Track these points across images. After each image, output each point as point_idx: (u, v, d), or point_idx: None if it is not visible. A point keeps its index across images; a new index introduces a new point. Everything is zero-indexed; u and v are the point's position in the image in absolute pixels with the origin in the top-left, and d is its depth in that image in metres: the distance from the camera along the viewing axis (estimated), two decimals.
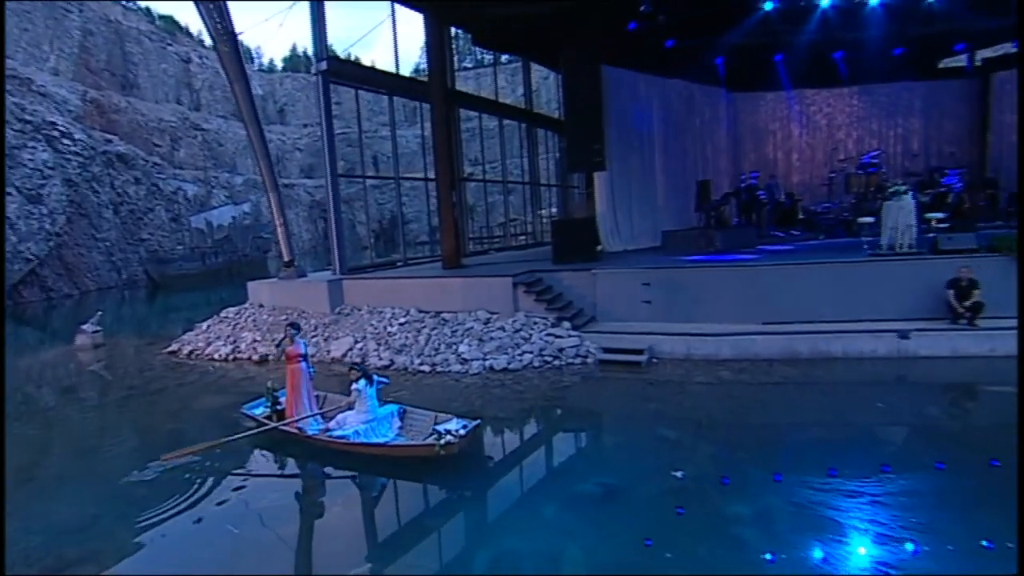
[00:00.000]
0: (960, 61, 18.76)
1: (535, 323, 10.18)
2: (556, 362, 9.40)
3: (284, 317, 12.16)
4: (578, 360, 9.42)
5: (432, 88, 13.62)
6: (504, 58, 25.56)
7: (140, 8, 43.67)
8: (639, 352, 9.23)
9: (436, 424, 6.27)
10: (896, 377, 8.29)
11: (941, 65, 19.27)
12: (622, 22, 13.21)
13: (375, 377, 6.78)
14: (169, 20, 46.51)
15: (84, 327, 14.13)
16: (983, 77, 17.54)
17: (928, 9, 12.90)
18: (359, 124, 15.99)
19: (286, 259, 14.11)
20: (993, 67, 17.58)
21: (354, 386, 6.54)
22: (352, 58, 35.28)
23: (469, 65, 46.51)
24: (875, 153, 16.47)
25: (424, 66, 20.37)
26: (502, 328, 10.12)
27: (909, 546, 4.22)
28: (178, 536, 5.04)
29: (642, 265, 10.97)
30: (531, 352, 9.54)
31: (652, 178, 15.88)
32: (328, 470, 6.44)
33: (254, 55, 63.41)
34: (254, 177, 38.47)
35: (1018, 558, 3.24)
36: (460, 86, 18.72)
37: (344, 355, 10.57)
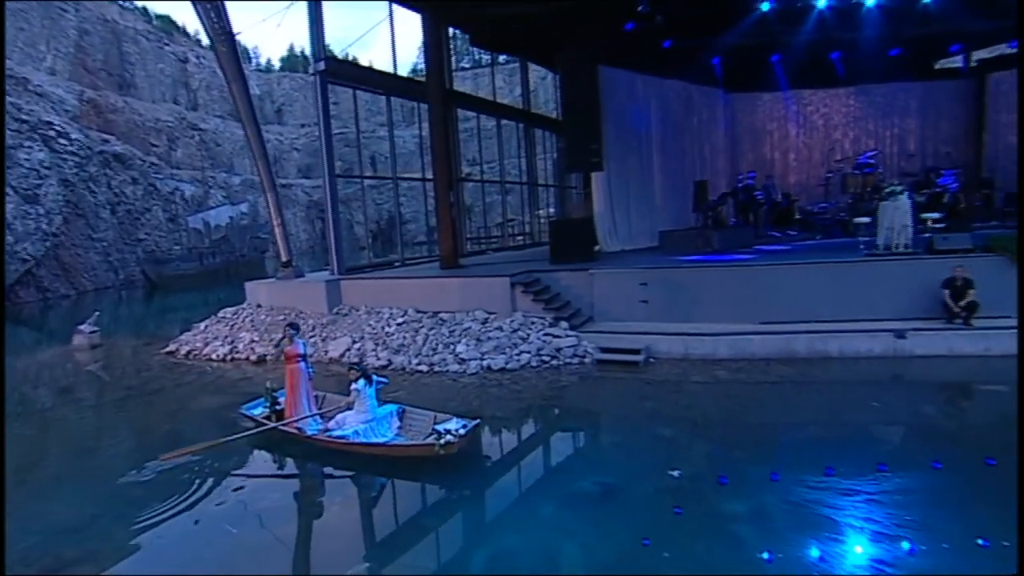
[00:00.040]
0: (956, 62, 18.84)
1: (533, 323, 10.20)
2: (554, 362, 9.42)
3: (282, 317, 12.15)
4: (576, 360, 9.44)
5: (430, 88, 13.64)
6: (502, 58, 25.55)
7: (137, 8, 43.65)
8: (636, 352, 9.26)
9: (435, 424, 6.28)
10: (892, 376, 8.33)
11: (937, 66, 19.34)
12: (620, 22, 13.23)
13: (374, 377, 6.79)
14: (166, 20, 46.52)
15: (81, 327, 14.10)
16: (979, 78, 17.61)
17: (924, 10, 12.95)
18: (357, 124, 15.97)
19: (284, 259, 14.10)
20: (989, 68, 17.65)
21: (353, 386, 6.54)
22: (350, 58, 35.33)
23: (467, 65, 46.51)
24: (872, 153, 16.53)
25: (422, 66, 20.35)
26: (500, 328, 10.14)
27: (905, 544, 4.24)
28: (177, 536, 5.05)
29: (639, 265, 11.00)
30: (529, 352, 9.55)
31: (650, 178, 15.92)
32: (327, 470, 6.45)
33: (251, 55, 63.37)
34: (252, 177, 38.45)
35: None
36: (458, 86, 18.74)
37: (342, 355, 10.57)
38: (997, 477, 5.26)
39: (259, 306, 13.23)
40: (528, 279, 10.98)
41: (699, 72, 16.50)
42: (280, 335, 7.86)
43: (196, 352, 12.03)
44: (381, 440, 6.39)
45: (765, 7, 12.75)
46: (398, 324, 10.95)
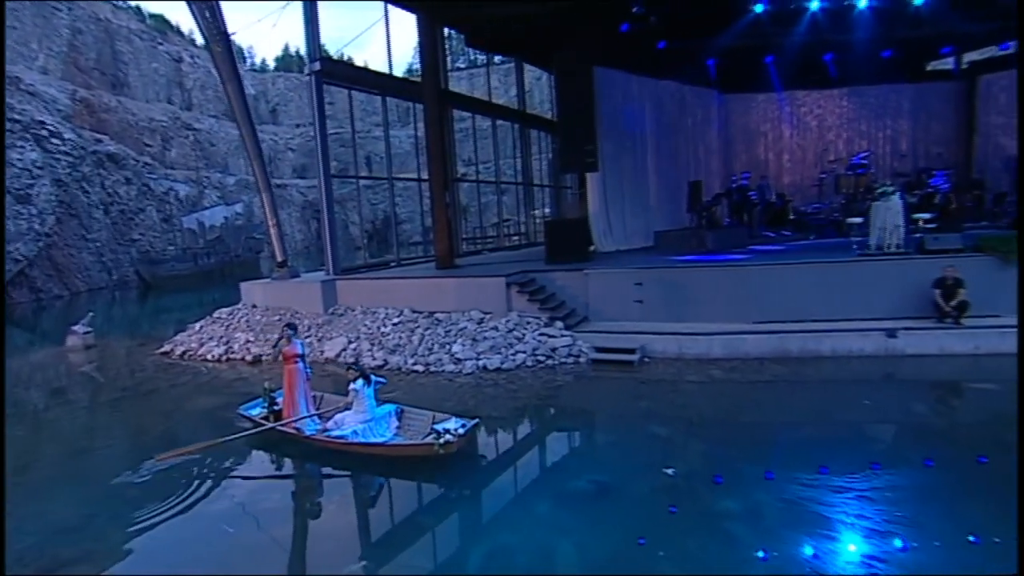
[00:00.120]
0: (947, 64, 19.02)
1: (528, 323, 10.23)
2: (549, 362, 9.46)
3: (277, 318, 12.15)
4: (571, 360, 9.48)
5: (425, 88, 13.65)
6: (497, 59, 25.58)
7: (130, 7, 43.37)
8: (631, 351, 9.31)
9: (434, 423, 6.29)
10: (884, 375, 8.40)
11: (929, 68, 19.52)
12: (615, 23, 13.29)
13: (372, 377, 6.80)
14: (160, 19, 46.28)
15: (75, 328, 14.04)
16: (969, 80, 17.80)
17: (915, 12, 13.07)
18: (352, 124, 15.95)
19: (279, 259, 14.09)
20: (979, 70, 17.84)
21: (352, 386, 6.56)
22: (345, 58, 35.27)
23: (462, 65, 46.51)
24: (864, 154, 16.68)
25: (417, 66, 20.37)
26: (495, 328, 10.17)
27: (897, 541, 4.29)
28: (174, 536, 5.05)
29: (634, 265, 11.05)
30: (524, 352, 9.59)
31: (644, 179, 15.99)
32: (325, 470, 6.46)
33: (246, 54, 63.13)
34: (246, 177, 38.35)
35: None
36: (453, 87, 18.76)
37: (338, 355, 10.58)
38: (988, 475, 5.33)
39: (254, 306, 13.22)
40: (524, 279, 11.01)
41: (694, 73, 16.59)
42: (278, 335, 7.86)
43: (191, 353, 12.00)
44: (380, 440, 6.40)
45: (759, 9, 12.83)
46: (394, 324, 10.97)
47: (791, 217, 16.30)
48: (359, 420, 6.48)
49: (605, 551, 4.48)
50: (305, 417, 6.88)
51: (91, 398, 10.48)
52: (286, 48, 65.70)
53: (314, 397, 7.32)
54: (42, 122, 26.37)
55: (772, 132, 19.19)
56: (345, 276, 12.96)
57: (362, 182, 19.98)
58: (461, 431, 5.99)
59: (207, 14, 12.72)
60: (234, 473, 6.38)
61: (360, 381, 6.53)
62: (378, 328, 10.98)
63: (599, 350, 9.51)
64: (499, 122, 19.00)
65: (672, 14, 12.68)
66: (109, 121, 33.32)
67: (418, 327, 10.69)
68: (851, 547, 4.27)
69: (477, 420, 6.42)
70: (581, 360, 9.46)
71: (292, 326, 7.45)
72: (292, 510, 5.74)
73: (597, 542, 4.61)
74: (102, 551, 4.89)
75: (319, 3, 12.72)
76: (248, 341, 11.72)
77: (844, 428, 6.92)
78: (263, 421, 7.06)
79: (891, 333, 8.84)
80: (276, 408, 7.16)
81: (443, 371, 9.49)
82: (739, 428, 7.08)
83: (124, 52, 37.45)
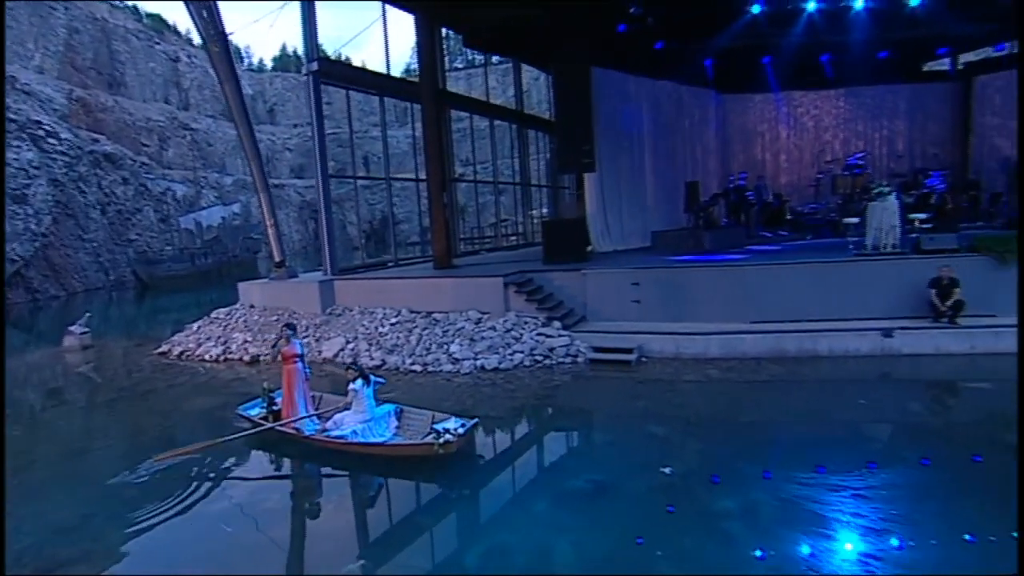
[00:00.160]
0: (943, 65, 19.10)
1: (526, 323, 10.25)
2: (547, 361, 9.48)
3: (275, 318, 12.15)
4: (568, 359, 9.50)
5: (423, 89, 13.67)
6: (495, 59, 25.60)
7: (127, 6, 43.25)
8: (629, 351, 9.33)
9: (434, 423, 6.30)
10: (880, 374, 8.43)
11: (925, 68, 19.59)
12: (612, 24, 13.32)
13: (372, 377, 6.80)
14: (157, 18, 46.12)
15: (72, 328, 14.01)
16: (965, 80, 17.87)
17: (912, 13, 13.12)
18: (350, 124, 15.99)
19: (277, 259, 14.08)
20: (975, 71, 17.92)
21: (351, 386, 6.56)
22: (343, 58, 35.22)
23: (460, 66, 46.49)
24: (861, 155, 16.75)
25: (415, 66, 20.37)
26: (493, 328, 10.18)
27: (894, 540, 4.31)
28: (172, 536, 5.05)
29: (632, 265, 11.08)
30: (522, 352, 9.60)
31: (642, 179, 16.02)
32: (323, 470, 6.47)
33: (244, 54, 63.01)
34: (244, 177, 38.30)
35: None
36: (451, 87, 18.77)
37: (336, 355, 10.58)
38: (984, 474, 5.37)
39: (252, 307, 13.21)
40: (521, 279, 11.03)
41: (691, 73, 16.61)
42: (276, 335, 7.86)
43: (189, 353, 11.99)
44: (379, 440, 6.40)
45: (756, 9, 12.87)
46: (392, 324, 10.97)
47: (788, 217, 16.35)
48: (358, 420, 6.48)
49: (603, 550, 4.50)
50: (304, 417, 6.88)
51: (88, 398, 10.47)
52: (284, 48, 65.62)
53: (313, 397, 7.32)
54: (38, 122, 26.30)
55: (769, 132, 19.24)
56: (343, 276, 12.96)
57: (360, 182, 19.98)
58: (461, 431, 5.99)
59: (204, 14, 12.71)
60: (233, 473, 6.38)
61: (359, 381, 6.53)
62: (376, 328, 10.98)
63: (597, 350, 9.53)
64: (497, 122, 19.02)
65: (669, 15, 12.71)
66: (106, 121, 33.24)
67: (416, 327, 10.70)
68: (848, 546, 4.29)
69: (476, 420, 6.43)
70: (579, 360, 9.48)
71: (291, 326, 7.46)
72: (291, 510, 5.74)
73: (595, 541, 4.62)
74: (100, 551, 4.90)
75: (317, 3, 12.72)
76: (246, 341, 11.71)
77: (841, 427, 6.95)
78: (262, 421, 7.06)
79: (887, 333, 8.88)
80: (275, 408, 7.16)
81: (441, 371, 9.50)
82: (736, 427, 7.11)
83: (121, 52, 37.36)
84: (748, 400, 8.07)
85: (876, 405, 7.58)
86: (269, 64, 64.85)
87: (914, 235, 10.43)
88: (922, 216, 11.74)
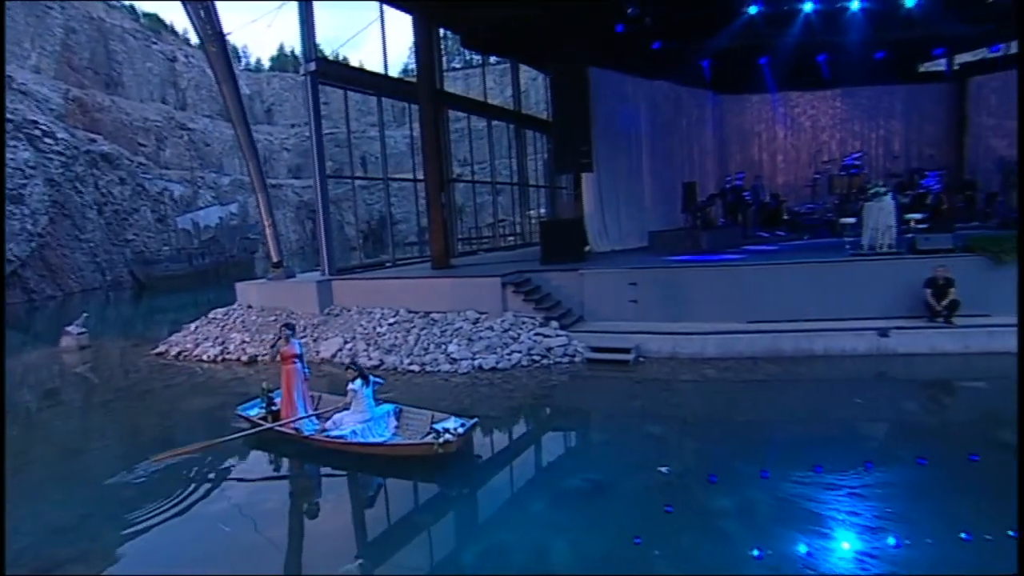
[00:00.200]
0: (939, 65, 19.19)
1: (523, 323, 10.26)
2: (544, 361, 9.49)
3: (273, 318, 12.14)
4: (566, 359, 9.52)
5: (420, 89, 13.67)
6: (493, 59, 25.64)
7: (124, 6, 43.15)
8: (626, 351, 9.35)
9: (433, 423, 6.31)
10: (876, 374, 8.47)
11: (921, 69, 19.67)
12: (610, 24, 13.34)
13: (371, 377, 6.81)
14: (154, 18, 46.02)
15: (69, 329, 13.98)
16: (961, 81, 17.94)
17: (907, 14, 13.18)
18: (347, 124, 15.98)
19: (274, 260, 14.07)
20: (971, 72, 18.00)
21: (350, 386, 6.57)
22: (341, 58, 35.17)
23: (458, 66, 46.49)
24: (857, 155, 16.81)
25: (413, 67, 20.39)
26: (491, 328, 10.20)
27: (890, 539, 4.33)
28: (170, 536, 5.05)
29: (629, 265, 11.10)
30: (520, 351, 9.62)
31: (639, 179, 16.04)
32: (322, 470, 6.48)
33: (241, 54, 62.93)
34: (241, 177, 38.23)
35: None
36: (449, 87, 18.76)
37: (334, 355, 10.59)
38: (979, 472, 5.40)
39: (250, 307, 13.20)
40: (519, 279, 11.04)
41: (688, 74, 16.66)
42: (276, 336, 7.86)
43: (186, 353, 11.98)
44: (379, 440, 6.40)
45: (753, 10, 12.91)
46: (389, 324, 10.98)
47: (785, 217, 16.39)
48: (358, 420, 6.48)
49: (600, 549, 4.51)
50: (303, 417, 6.88)
51: (85, 399, 10.45)
52: (281, 48, 65.61)
53: (312, 397, 7.33)
54: (35, 121, 26.23)
55: (766, 133, 19.29)
56: (341, 276, 12.96)
57: (358, 182, 20.00)
58: (460, 430, 6.00)
59: (202, 13, 12.69)
60: (232, 474, 6.37)
61: (359, 381, 6.54)
62: (374, 328, 10.99)
63: (594, 350, 9.56)
64: (495, 122, 19.03)
65: (667, 15, 12.73)
66: (103, 121, 33.16)
67: (414, 327, 10.71)
68: (844, 544, 4.31)
69: (476, 419, 6.44)
70: (576, 360, 9.50)
71: (290, 326, 7.46)
72: (289, 509, 5.75)
73: (592, 540, 4.64)
74: (98, 551, 4.90)
75: (315, 3, 12.73)
76: (244, 342, 11.71)
77: (837, 426, 6.98)
78: (261, 421, 7.06)
79: (883, 332, 8.92)
80: (274, 408, 7.17)
81: (439, 371, 9.51)
82: (733, 427, 7.13)
83: (118, 51, 37.28)
84: (745, 400, 8.09)
85: (872, 404, 7.62)
86: (267, 64, 64.84)
87: (910, 235, 10.47)
88: (918, 216, 11.77)
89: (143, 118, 36.86)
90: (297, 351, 7.16)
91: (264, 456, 6.85)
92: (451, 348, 9.87)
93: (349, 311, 11.83)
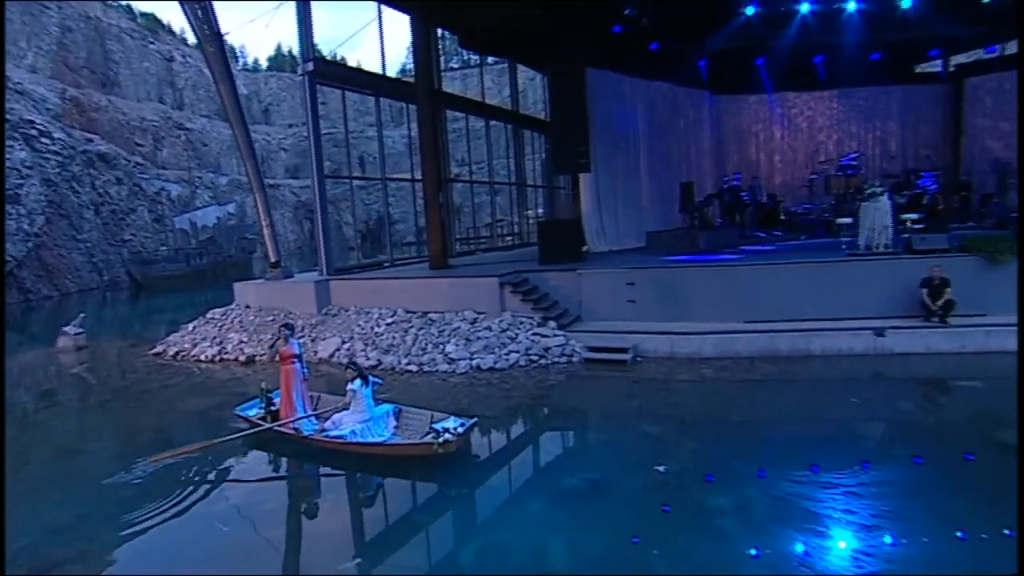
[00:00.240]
0: (935, 66, 19.27)
1: (521, 323, 10.28)
2: (542, 361, 9.51)
3: (271, 318, 12.14)
4: (564, 359, 9.53)
5: (418, 89, 13.67)
6: (490, 59, 25.62)
7: (121, 5, 43.06)
8: (624, 351, 9.38)
9: (432, 423, 6.31)
10: (872, 373, 8.51)
11: (917, 70, 19.75)
12: (607, 25, 13.36)
13: (370, 377, 6.82)
14: (151, 18, 45.95)
15: (66, 329, 13.94)
16: (957, 82, 18.03)
17: (904, 16, 13.23)
18: (345, 124, 15.96)
19: (272, 260, 14.05)
20: (966, 73, 18.10)
21: (349, 386, 6.57)
22: (338, 58, 35.14)
23: (455, 66, 46.50)
24: (854, 155, 16.86)
25: (411, 67, 20.36)
26: (489, 328, 10.21)
27: (887, 537, 4.36)
28: (168, 536, 5.05)
29: (627, 265, 11.12)
30: (517, 351, 9.63)
31: (637, 179, 16.07)
32: (320, 470, 6.48)
33: (239, 54, 62.86)
34: (239, 177, 38.16)
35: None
36: (446, 87, 18.78)
37: (331, 355, 10.59)
38: (975, 471, 5.43)
39: (248, 307, 13.18)
40: (517, 279, 11.06)
41: (686, 74, 16.69)
42: (274, 336, 7.86)
43: (184, 353, 11.96)
44: (378, 440, 6.40)
45: (750, 11, 12.95)
46: (387, 324, 10.99)
47: (782, 217, 16.44)
48: (357, 420, 6.49)
49: (598, 549, 4.53)
50: (303, 417, 6.89)
51: (83, 399, 10.44)
52: (279, 48, 65.53)
53: (311, 397, 7.33)
54: (31, 121, 26.15)
55: (763, 133, 19.35)
56: (338, 276, 12.96)
57: (355, 182, 19.96)
58: (460, 430, 6.01)
59: (199, 13, 12.67)
60: (231, 474, 6.37)
61: (358, 381, 6.55)
62: (372, 328, 10.99)
63: (592, 349, 9.58)
64: (492, 123, 19.04)
65: (664, 16, 12.76)
66: (99, 120, 33.07)
67: (412, 327, 10.71)
68: (841, 543, 4.33)
69: (476, 419, 6.45)
70: (574, 360, 9.52)
71: (289, 326, 7.47)
72: (289, 510, 5.75)
73: (590, 540, 4.66)
74: (96, 551, 4.90)
75: (312, 3, 12.73)
76: (241, 342, 11.70)
77: (834, 426, 7.01)
78: (260, 421, 7.06)
79: (879, 332, 8.96)
80: (273, 408, 7.16)
81: (437, 371, 9.52)
82: (730, 426, 7.16)
83: (115, 51, 37.19)
84: (742, 399, 8.12)
85: (868, 404, 7.65)
86: (264, 64, 64.75)
87: (906, 235, 10.53)
88: (914, 216, 11.86)
89: (140, 118, 36.77)
90: (296, 351, 7.16)
91: (263, 456, 6.85)
92: (449, 348, 9.88)
93: (347, 311, 11.83)
